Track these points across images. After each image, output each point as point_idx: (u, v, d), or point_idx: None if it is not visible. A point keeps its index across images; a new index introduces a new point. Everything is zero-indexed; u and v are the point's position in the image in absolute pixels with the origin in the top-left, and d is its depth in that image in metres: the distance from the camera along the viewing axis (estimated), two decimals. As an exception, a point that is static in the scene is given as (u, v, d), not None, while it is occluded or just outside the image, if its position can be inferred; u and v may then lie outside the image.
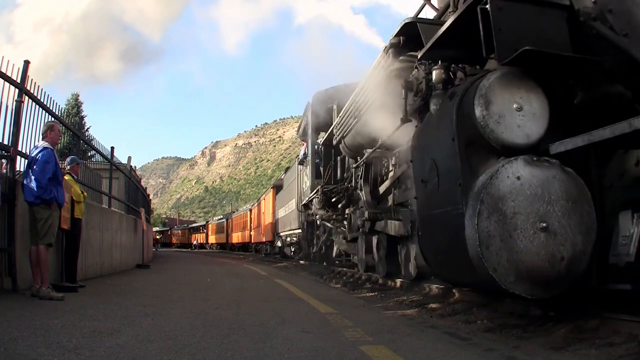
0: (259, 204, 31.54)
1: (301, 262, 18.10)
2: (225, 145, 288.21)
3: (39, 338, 3.20)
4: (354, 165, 8.88)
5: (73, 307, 4.77)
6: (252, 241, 34.45)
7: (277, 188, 24.44)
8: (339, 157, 10.76)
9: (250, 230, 34.71)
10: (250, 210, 35.61)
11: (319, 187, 11.40)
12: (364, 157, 8.05)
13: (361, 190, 8.27)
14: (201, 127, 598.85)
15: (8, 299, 4.95)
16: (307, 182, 13.77)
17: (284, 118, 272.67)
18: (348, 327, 3.97)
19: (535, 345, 3.25)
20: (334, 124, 10.23)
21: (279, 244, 23.84)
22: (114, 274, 9.98)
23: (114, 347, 3.03)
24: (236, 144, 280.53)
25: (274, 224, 24.70)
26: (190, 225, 72.02)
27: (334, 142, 10.12)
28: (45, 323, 3.75)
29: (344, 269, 11.23)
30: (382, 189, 7.75)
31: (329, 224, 11.84)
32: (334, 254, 12.41)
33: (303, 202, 14.56)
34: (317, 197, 11.62)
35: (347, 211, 10.01)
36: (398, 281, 7.42)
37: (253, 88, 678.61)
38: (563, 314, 3.81)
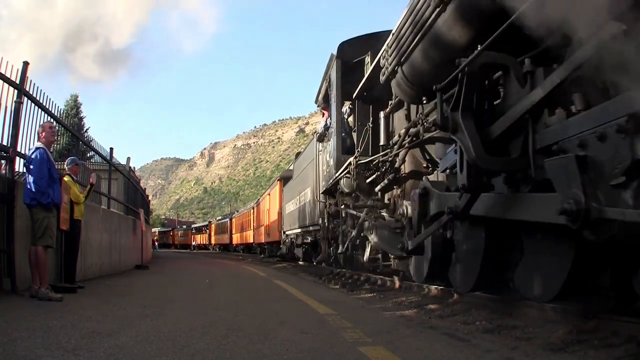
0: (262, 200, 28.23)
1: (300, 262, 17.54)
2: (224, 146, 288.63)
3: (37, 339, 3.21)
4: (442, 85, 4.33)
5: (72, 307, 4.77)
6: (255, 241, 31.80)
7: (285, 180, 20.86)
8: (381, 113, 7.60)
9: (253, 230, 31.66)
10: (253, 208, 32.31)
11: (352, 159, 8.27)
12: (467, 62, 3.88)
13: (456, 132, 4.03)
14: (200, 128, 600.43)
15: (7, 300, 4.95)
16: (329, 161, 10.59)
17: (283, 119, 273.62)
18: (347, 328, 3.97)
19: (534, 346, 3.25)
20: (381, 52, 6.69)
21: (286, 243, 20.14)
22: (113, 274, 9.98)
23: (112, 348, 3.03)
24: (235, 145, 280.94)
25: (281, 222, 21.21)
26: (193, 226, 70.58)
27: (382, 79, 6.49)
28: (44, 324, 3.75)
29: (374, 275, 8.74)
30: (505, 121, 3.83)
31: (361, 215, 8.53)
32: (365, 257, 8.64)
33: (323, 189, 11.45)
34: (347, 178, 8.83)
35: (392, 193, 7.60)
36: (397, 282, 7.42)
37: (252, 87, 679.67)
38: (562, 315, 3.81)
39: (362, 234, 8.78)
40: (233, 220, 42.61)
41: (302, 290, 7.52)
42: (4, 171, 5.82)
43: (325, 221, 11.72)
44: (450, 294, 5.69)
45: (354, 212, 9.00)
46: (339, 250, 10.36)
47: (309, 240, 15.45)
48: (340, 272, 10.72)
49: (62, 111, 8.21)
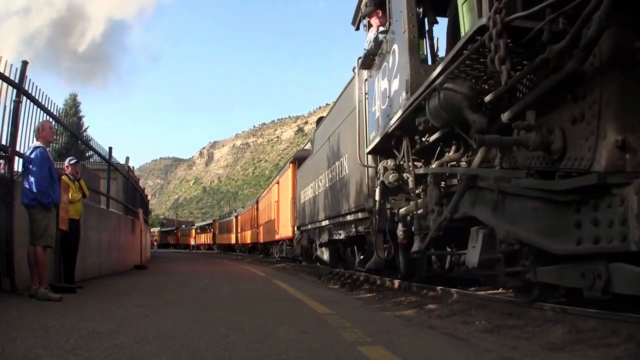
0: (270, 192, 23.71)
1: (303, 263, 16.39)
2: (223, 145, 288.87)
3: (37, 339, 3.20)
4: None
5: (71, 307, 4.77)
6: (260, 240, 27.63)
7: (300, 161, 16.27)
8: None
9: (257, 227, 27.65)
10: (257, 202, 28.47)
11: (490, 17, 3.53)
12: None
13: None
14: (199, 128, 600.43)
15: (6, 300, 4.95)
16: (389, 88, 6.32)
17: (282, 118, 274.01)
18: (346, 327, 3.97)
19: (533, 345, 3.25)
20: None
21: (302, 242, 15.76)
22: (112, 274, 9.98)
23: (112, 348, 3.03)
24: (234, 144, 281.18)
25: (295, 215, 16.76)
26: (197, 225, 68.25)
27: None
28: (44, 324, 3.75)
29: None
30: None
31: (469, 171, 4.93)
32: (474, 258, 4.52)
33: (375, 141, 6.98)
34: (446, 92, 4.57)
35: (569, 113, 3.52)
36: (396, 282, 7.41)
37: (251, 87, 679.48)
38: (561, 315, 3.81)
39: (458, 213, 5.07)
40: (238, 217, 38.71)
41: (301, 290, 7.52)
42: (2, 171, 5.81)
43: (379, 200, 7.35)
44: (449, 293, 5.69)
45: (446, 170, 5.54)
46: (415, 248, 5.85)
47: (342, 237, 10.40)
48: (340, 271, 10.65)
49: (61, 110, 8.20)
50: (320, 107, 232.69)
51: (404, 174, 6.65)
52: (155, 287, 7.98)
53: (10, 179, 5.68)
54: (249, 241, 33.28)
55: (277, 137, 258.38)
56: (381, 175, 7.21)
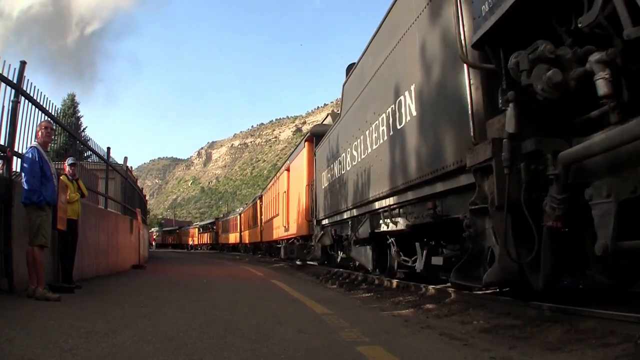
0: (277, 181, 20.34)
1: (297, 262, 16.45)
2: (221, 145, 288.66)
3: (35, 338, 3.20)
4: None
5: (69, 307, 4.77)
6: (264, 239, 24.97)
7: (318, 137, 13.20)
8: None
9: (263, 225, 24.93)
10: (262, 196, 26.27)
11: None
12: None
13: None
14: (197, 128, 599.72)
15: (4, 300, 4.93)
16: None
17: (280, 118, 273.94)
18: (344, 327, 3.97)
19: (531, 345, 3.26)
20: None
21: (325, 241, 12.04)
22: (110, 274, 9.97)
23: (110, 348, 3.02)
24: (232, 144, 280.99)
25: (311, 206, 13.62)
26: (199, 224, 66.55)
27: None
28: (42, 324, 3.75)
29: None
30: None
31: None
32: None
33: None
34: None
35: None
36: (394, 282, 7.43)
37: (249, 87, 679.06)
38: (559, 315, 3.82)
39: None
40: (242, 215, 36.35)
41: (300, 290, 7.51)
42: (1, 171, 5.81)
43: (510, 137, 3.67)
44: (447, 293, 5.70)
45: None
46: None
47: (402, 226, 6.67)
48: (338, 271, 10.68)
49: (59, 110, 8.19)
50: (318, 107, 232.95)
51: (576, 72, 3.25)
52: (153, 287, 7.97)
53: (8, 179, 5.67)
54: (255, 239, 29.38)
55: (275, 137, 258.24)
56: (523, 77, 3.53)
